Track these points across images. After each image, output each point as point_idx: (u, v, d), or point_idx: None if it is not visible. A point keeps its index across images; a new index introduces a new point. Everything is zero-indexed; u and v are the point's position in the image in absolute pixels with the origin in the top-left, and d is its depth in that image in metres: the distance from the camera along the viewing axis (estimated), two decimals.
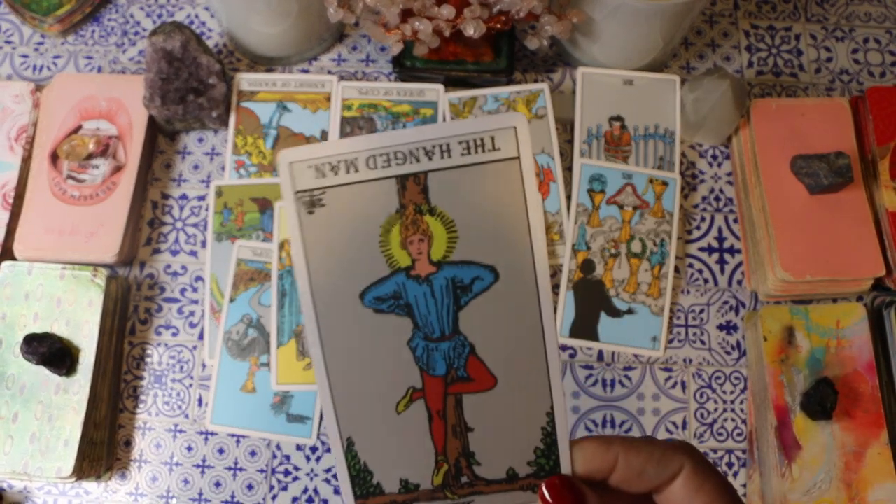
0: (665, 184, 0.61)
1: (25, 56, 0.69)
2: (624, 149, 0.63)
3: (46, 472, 0.53)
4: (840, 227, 0.59)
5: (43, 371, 0.54)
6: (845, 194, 0.60)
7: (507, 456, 0.30)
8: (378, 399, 0.29)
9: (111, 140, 0.62)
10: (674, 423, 0.58)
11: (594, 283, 0.60)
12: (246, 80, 0.65)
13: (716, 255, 0.62)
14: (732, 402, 0.59)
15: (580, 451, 0.29)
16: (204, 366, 0.59)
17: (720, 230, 0.63)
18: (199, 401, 0.59)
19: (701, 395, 0.59)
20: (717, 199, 0.64)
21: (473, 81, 0.65)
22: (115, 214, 0.60)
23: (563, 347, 0.60)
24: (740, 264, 0.62)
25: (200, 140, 0.65)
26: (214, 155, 0.65)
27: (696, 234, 0.63)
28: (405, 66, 0.64)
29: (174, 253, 0.62)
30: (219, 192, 0.62)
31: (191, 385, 0.59)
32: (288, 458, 0.57)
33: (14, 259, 0.59)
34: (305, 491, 0.57)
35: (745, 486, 0.57)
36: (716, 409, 0.58)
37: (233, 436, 0.58)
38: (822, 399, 0.52)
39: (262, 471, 0.57)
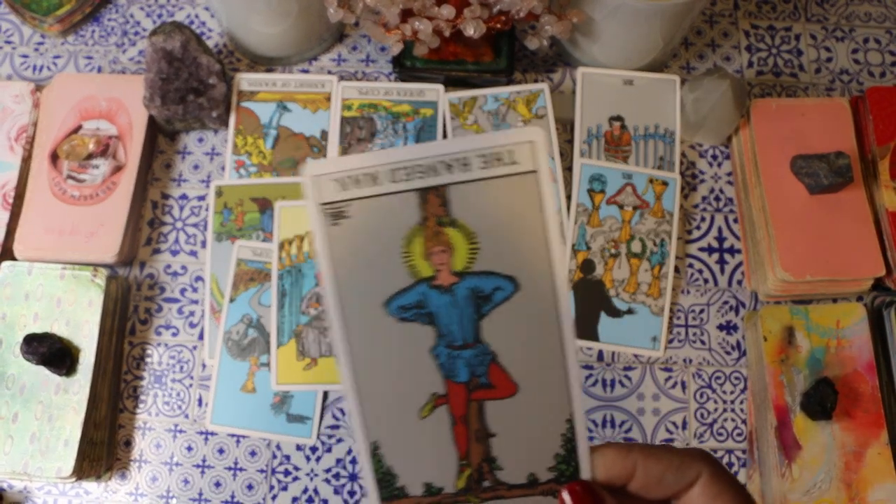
0: (665, 184, 0.61)
1: (25, 56, 0.69)
2: (624, 149, 0.63)
3: (46, 472, 0.53)
4: (840, 227, 0.59)
5: (43, 371, 0.54)
6: (845, 194, 0.60)
7: (528, 461, 0.30)
8: (402, 404, 0.30)
9: (111, 140, 0.62)
10: (674, 423, 0.58)
11: (594, 283, 0.60)
12: (246, 80, 0.65)
13: (716, 255, 0.62)
14: (732, 402, 0.59)
15: (600, 457, 0.29)
16: (204, 366, 0.59)
17: (720, 230, 0.63)
18: (199, 401, 0.59)
19: (701, 395, 0.59)
20: (717, 199, 0.64)
21: (473, 81, 0.65)
22: (115, 214, 0.60)
23: None
24: (740, 264, 0.62)
25: (200, 140, 0.65)
26: (214, 155, 0.65)
27: (696, 234, 0.63)
28: (405, 66, 0.64)
29: (174, 253, 0.62)
30: (219, 192, 0.62)
31: (191, 385, 0.59)
32: (288, 458, 0.57)
33: (14, 259, 0.59)
34: (305, 491, 0.57)
35: (745, 486, 0.57)
36: (716, 409, 0.58)
37: (233, 436, 0.58)
38: (822, 399, 0.52)
39: (262, 471, 0.57)
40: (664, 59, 0.67)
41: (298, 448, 0.58)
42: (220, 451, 0.58)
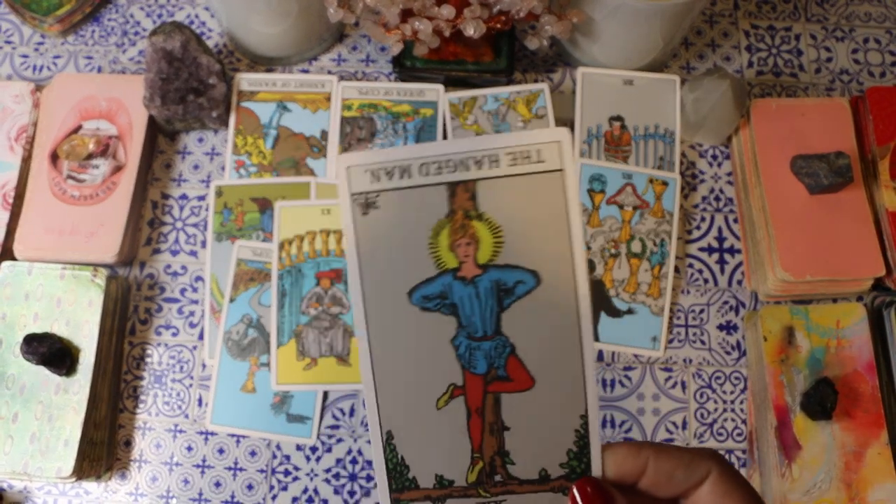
0: (665, 184, 0.61)
1: (25, 56, 0.69)
2: (624, 149, 0.63)
3: (46, 472, 0.53)
4: (840, 227, 0.59)
5: (43, 371, 0.54)
6: (845, 194, 0.60)
7: (540, 456, 0.30)
8: (419, 394, 0.30)
9: (111, 140, 0.62)
10: (674, 423, 0.58)
11: (594, 283, 0.60)
12: (246, 80, 0.65)
13: (716, 255, 0.62)
14: (732, 402, 0.59)
15: (611, 454, 0.30)
16: (204, 366, 0.59)
17: (720, 230, 0.63)
18: (199, 401, 0.59)
19: (701, 395, 0.59)
20: (717, 199, 0.64)
21: (473, 81, 0.65)
22: (115, 214, 0.60)
23: None
24: (740, 264, 0.62)
25: (200, 140, 0.65)
26: (214, 155, 0.65)
27: (696, 234, 0.63)
28: (405, 66, 0.64)
29: (174, 253, 0.62)
30: (219, 192, 0.62)
31: (191, 385, 0.59)
32: (288, 458, 0.57)
33: (14, 259, 0.59)
34: (305, 491, 0.57)
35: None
36: (716, 409, 0.58)
37: (233, 436, 0.58)
38: (822, 399, 0.52)
39: (262, 471, 0.57)
40: (664, 59, 0.67)
41: (298, 448, 0.58)
42: (220, 451, 0.58)
